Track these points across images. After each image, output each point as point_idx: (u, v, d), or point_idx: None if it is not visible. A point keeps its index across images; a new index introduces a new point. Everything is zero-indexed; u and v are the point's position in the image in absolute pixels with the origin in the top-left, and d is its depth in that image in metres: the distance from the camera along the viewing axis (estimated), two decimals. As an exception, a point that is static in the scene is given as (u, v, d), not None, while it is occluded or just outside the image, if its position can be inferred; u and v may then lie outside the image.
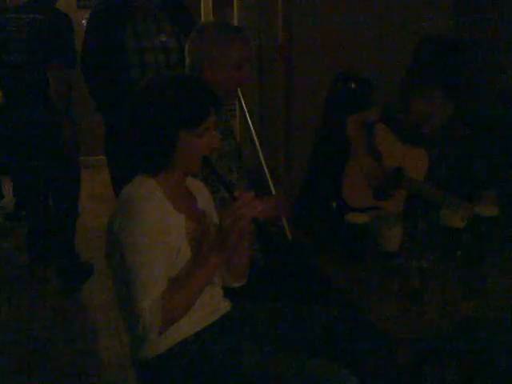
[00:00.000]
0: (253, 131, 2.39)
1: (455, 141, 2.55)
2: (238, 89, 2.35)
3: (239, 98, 2.40)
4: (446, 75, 2.53)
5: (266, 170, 2.32)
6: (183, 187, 1.91)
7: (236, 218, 1.69)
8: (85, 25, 3.38)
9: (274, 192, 2.32)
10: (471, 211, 2.21)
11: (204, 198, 1.98)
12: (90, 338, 3.28)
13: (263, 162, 2.32)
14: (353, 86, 3.03)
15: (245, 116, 2.42)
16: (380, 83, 3.27)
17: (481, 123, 2.56)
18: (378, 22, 3.75)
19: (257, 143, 2.36)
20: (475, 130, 2.53)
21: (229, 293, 2.01)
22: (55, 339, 3.25)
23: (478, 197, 2.34)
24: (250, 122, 2.38)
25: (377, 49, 3.74)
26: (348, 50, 3.75)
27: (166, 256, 1.72)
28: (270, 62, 4.30)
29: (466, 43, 3.45)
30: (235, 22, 4.63)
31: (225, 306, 1.98)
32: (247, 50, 2.30)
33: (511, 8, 3.39)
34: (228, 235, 1.70)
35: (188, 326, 1.81)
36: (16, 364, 3.04)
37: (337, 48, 3.77)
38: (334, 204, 2.40)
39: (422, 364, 1.84)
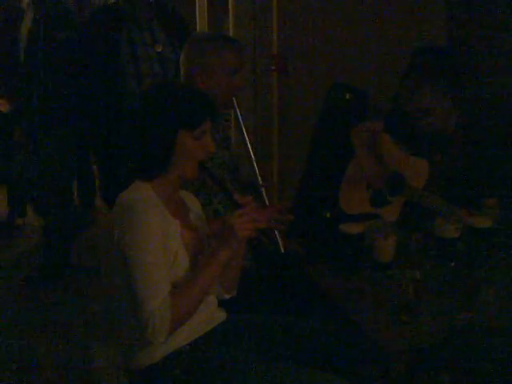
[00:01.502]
0: (247, 141, 2.39)
1: (457, 148, 2.56)
2: (234, 99, 2.36)
3: (234, 108, 2.40)
4: (448, 81, 2.54)
5: (259, 180, 2.32)
6: (177, 195, 1.92)
7: (247, 220, 1.75)
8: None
9: (267, 203, 2.32)
10: (466, 221, 2.21)
11: (196, 210, 2.00)
12: (82, 347, 3.26)
13: (257, 173, 2.32)
14: (348, 96, 3.04)
15: (240, 126, 2.41)
16: (375, 94, 3.28)
17: (480, 131, 2.57)
18: (374, 33, 3.76)
19: (251, 153, 2.36)
20: (476, 137, 2.55)
21: (223, 303, 2.01)
22: (47, 350, 3.24)
23: (479, 204, 2.35)
24: (244, 133, 2.38)
25: (372, 59, 3.75)
26: (344, 60, 3.76)
27: (167, 259, 1.74)
28: (265, 72, 4.30)
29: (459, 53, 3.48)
30: (230, 33, 4.63)
31: (220, 315, 1.98)
32: (239, 58, 2.33)
33: (502, 18, 3.41)
34: (235, 232, 1.74)
35: (183, 335, 1.81)
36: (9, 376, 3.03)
37: (332, 58, 3.78)
38: (328, 214, 2.40)
39: (415, 375, 1.83)
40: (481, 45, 3.50)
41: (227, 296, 2.00)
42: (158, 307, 1.65)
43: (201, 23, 5.54)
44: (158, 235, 1.71)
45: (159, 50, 3.16)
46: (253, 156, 2.32)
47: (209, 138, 1.84)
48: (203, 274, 1.76)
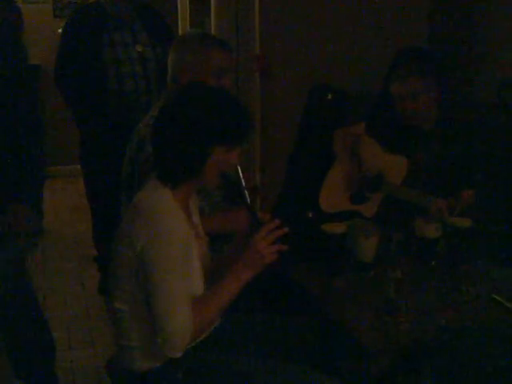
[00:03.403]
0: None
1: (436, 145, 2.59)
2: None
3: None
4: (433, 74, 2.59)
5: (243, 182, 2.31)
6: (190, 201, 1.89)
7: (271, 241, 1.72)
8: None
9: (250, 204, 2.32)
10: (446, 220, 2.23)
11: (196, 211, 1.96)
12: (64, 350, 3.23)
13: (241, 175, 2.31)
14: (329, 96, 3.06)
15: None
16: (358, 94, 3.30)
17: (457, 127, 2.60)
18: (355, 34, 3.78)
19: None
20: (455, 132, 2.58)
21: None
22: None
23: (457, 196, 2.37)
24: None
25: (353, 60, 3.77)
26: (326, 61, 3.77)
27: (187, 272, 1.72)
28: (248, 73, 4.31)
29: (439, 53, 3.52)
30: (213, 32, 4.64)
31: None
32: (227, 59, 2.29)
33: (484, 17, 3.45)
34: (263, 258, 1.72)
35: None
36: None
37: (314, 59, 3.79)
38: (310, 214, 2.40)
39: (397, 375, 1.84)
40: (460, 44, 3.54)
41: None
42: (180, 325, 1.64)
43: (183, 24, 5.54)
44: (183, 248, 1.69)
45: (140, 49, 3.15)
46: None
47: (237, 151, 1.79)
48: (223, 294, 1.75)
